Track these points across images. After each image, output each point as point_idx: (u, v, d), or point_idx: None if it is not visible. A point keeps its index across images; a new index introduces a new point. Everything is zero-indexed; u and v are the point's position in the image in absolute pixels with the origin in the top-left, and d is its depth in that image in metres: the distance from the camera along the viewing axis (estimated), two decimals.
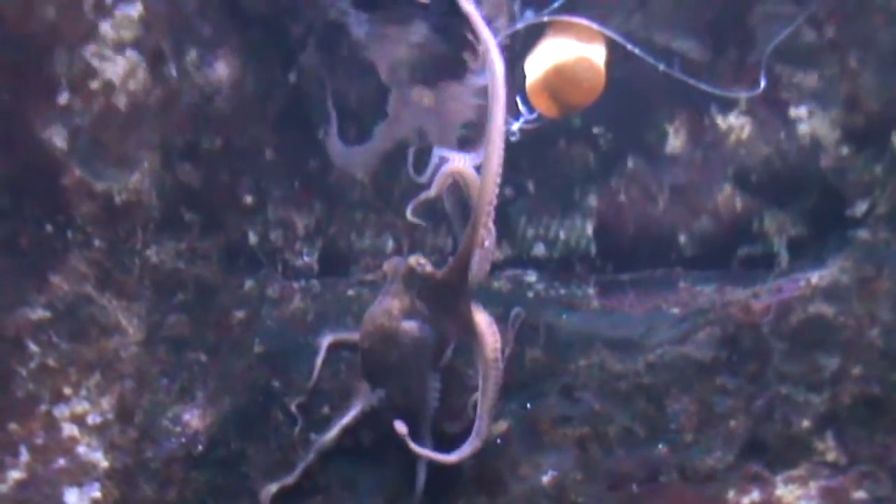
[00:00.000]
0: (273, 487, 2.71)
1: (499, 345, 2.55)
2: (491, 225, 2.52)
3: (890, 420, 2.52)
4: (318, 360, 2.77)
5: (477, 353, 2.56)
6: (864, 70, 2.66)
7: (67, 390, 2.77)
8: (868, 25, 2.64)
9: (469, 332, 2.57)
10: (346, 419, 2.69)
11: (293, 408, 2.77)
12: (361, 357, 2.67)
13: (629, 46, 2.61)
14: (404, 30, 2.73)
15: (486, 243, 2.52)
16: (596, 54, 2.60)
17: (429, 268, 2.59)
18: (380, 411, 2.66)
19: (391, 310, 2.60)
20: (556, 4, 2.64)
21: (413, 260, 2.60)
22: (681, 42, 2.72)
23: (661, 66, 2.64)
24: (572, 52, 2.59)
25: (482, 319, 2.55)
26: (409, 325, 2.59)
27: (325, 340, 2.79)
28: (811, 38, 2.68)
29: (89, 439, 2.77)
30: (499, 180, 2.46)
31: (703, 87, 2.64)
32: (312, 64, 2.88)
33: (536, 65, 2.63)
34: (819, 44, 2.67)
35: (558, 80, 2.60)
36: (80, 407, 2.78)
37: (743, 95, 2.69)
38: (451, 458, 2.55)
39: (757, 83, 2.64)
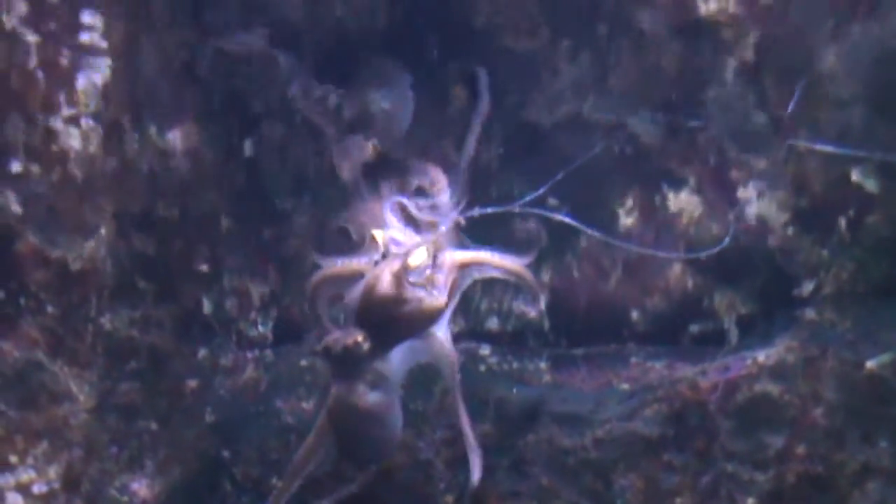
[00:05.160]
0: None
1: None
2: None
3: (833, 499, 2.54)
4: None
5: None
6: (811, 152, 2.71)
7: (13, 458, 2.75)
8: (816, 108, 2.70)
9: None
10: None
11: None
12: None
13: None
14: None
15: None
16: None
17: (348, 340, 2.45)
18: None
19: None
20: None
21: (331, 340, 2.47)
22: (633, 121, 2.77)
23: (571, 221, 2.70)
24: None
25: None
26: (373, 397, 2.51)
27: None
28: (761, 119, 2.73)
29: None
30: None
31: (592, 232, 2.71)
32: (270, 135, 2.91)
33: None
34: (768, 126, 2.72)
35: None
36: (26, 475, 2.75)
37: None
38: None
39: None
